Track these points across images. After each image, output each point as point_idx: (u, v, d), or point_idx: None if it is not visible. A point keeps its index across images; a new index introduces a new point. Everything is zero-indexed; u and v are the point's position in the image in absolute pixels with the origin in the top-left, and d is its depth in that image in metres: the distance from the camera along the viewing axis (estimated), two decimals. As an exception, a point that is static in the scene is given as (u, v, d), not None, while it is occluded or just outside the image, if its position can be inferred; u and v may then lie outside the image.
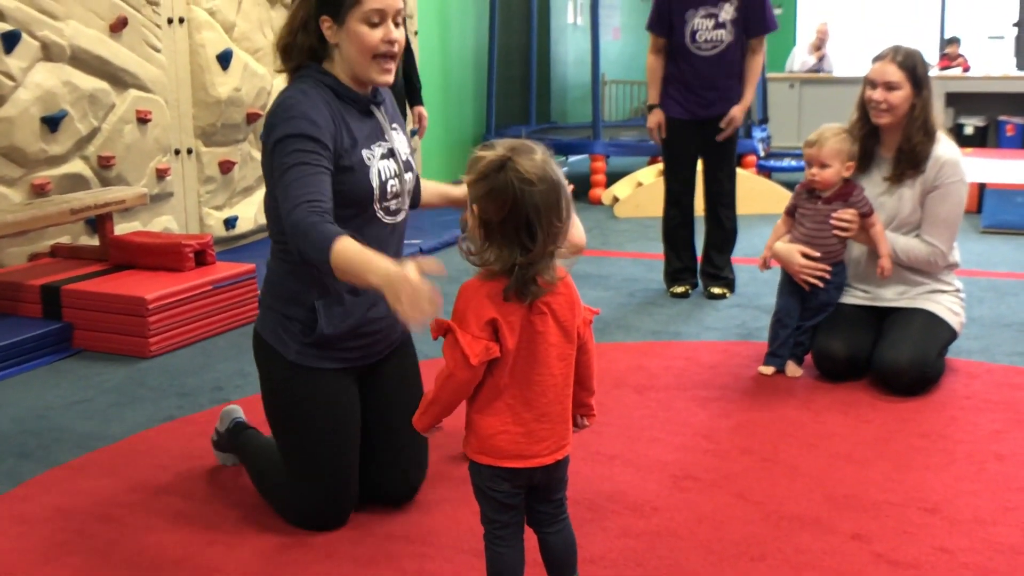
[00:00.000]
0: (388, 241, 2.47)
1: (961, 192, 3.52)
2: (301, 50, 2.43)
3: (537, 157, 1.92)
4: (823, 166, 3.43)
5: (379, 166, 2.44)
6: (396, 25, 2.38)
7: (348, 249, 2.09)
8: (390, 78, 2.42)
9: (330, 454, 2.44)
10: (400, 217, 2.56)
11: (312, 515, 2.46)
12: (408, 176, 2.55)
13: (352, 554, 2.38)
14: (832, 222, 3.45)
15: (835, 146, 3.43)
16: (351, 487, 2.51)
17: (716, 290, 4.72)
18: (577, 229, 2.46)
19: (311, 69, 2.43)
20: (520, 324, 1.92)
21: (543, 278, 1.91)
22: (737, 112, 4.57)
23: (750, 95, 4.63)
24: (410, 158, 2.59)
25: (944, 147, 3.52)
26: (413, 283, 1.90)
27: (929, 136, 3.50)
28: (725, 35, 4.49)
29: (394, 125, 2.55)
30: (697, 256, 4.89)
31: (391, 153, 2.49)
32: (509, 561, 2.00)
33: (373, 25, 2.34)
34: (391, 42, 2.36)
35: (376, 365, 2.59)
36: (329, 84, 2.40)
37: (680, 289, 4.81)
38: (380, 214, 2.47)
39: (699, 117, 4.60)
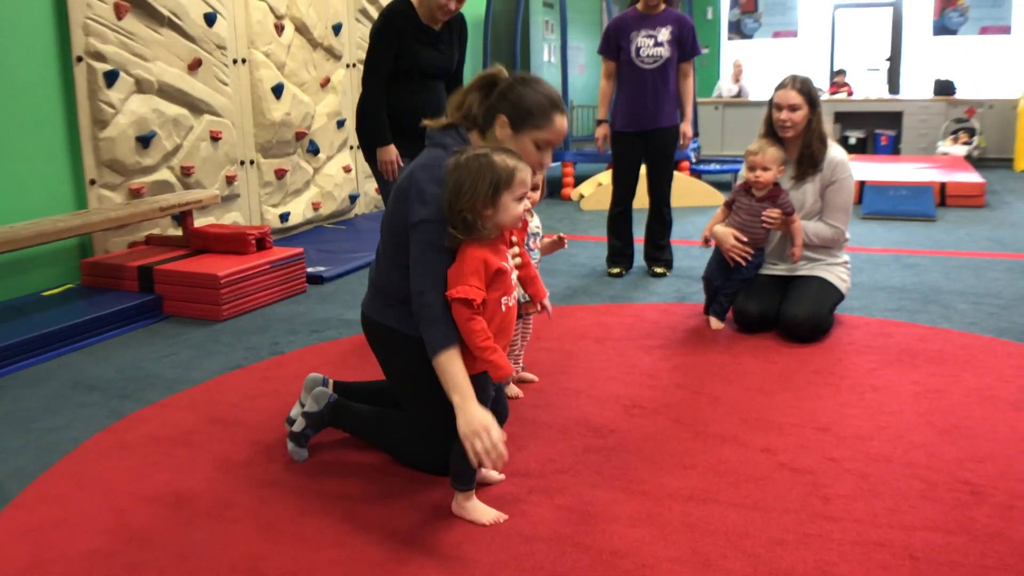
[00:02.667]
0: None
1: (851, 184, 3.50)
2: (467, 117, 2.21)
3: (461, 157, 2.01)
4: (765, 169, 3.39)
5: None
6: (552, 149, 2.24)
7: (451, 365, 1.97)
8: (537, 179, 2.29)
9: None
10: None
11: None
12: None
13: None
14: (763, 217, 3.43)
15: (774, 155, 3.39)
16: None
17: (658, 270, 4.61)
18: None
19: (457, 131, 2.20)
20: None
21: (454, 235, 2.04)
22: (686, 128, 4.49)
23: (690, 111, 4.51)
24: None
25: (835, 151, 3.50)
26: (492, 437, 1.88)
27: (823, 143, 3.47)
28: (663, 52, 4.35)
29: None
30: (634, 239, 4.74)
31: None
32: None
33: (539, 148, 2.18)
34: (543, 166, 2.23)
35: None
36: None
37: (615, 270, 4.65)
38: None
39: (644, 129, 4.45)
